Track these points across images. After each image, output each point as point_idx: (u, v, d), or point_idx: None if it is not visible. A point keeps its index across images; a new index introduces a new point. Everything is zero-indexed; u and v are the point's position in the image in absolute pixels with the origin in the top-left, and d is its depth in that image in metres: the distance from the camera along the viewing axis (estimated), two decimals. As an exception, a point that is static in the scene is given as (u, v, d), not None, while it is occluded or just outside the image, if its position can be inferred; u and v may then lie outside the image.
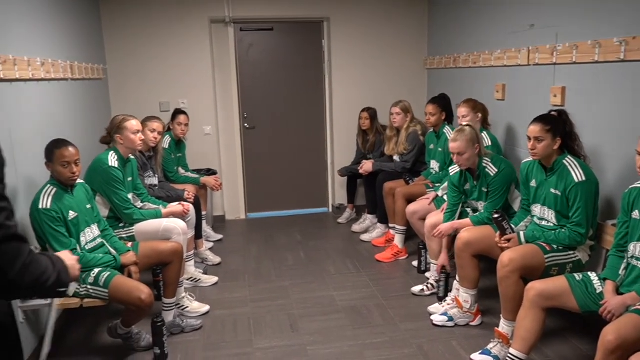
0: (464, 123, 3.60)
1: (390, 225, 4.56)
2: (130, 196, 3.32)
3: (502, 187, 3.09)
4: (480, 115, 3.72)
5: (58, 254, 1.30)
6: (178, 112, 4.55)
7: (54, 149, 2.63)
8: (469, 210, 3.37)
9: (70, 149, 2.68)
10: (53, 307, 2.67)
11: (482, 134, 3.57)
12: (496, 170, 3.09)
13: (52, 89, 3.37)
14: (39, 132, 2.98)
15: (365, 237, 4.81)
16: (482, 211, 3.18)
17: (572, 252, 2.69)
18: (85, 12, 4.41)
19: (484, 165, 3.13)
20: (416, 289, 3.62)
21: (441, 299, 3.42)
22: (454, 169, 3.37)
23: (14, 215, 1.00)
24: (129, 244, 3.05)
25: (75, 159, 2.69)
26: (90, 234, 2.82)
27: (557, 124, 2.69)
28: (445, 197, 3.80)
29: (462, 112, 3.71)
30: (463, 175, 3.30)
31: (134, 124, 3.31)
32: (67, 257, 1.28)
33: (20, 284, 1.01)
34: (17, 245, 0.99)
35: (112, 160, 3.20)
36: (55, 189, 2.65)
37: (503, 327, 2.74)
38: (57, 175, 2.66)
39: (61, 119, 3.51)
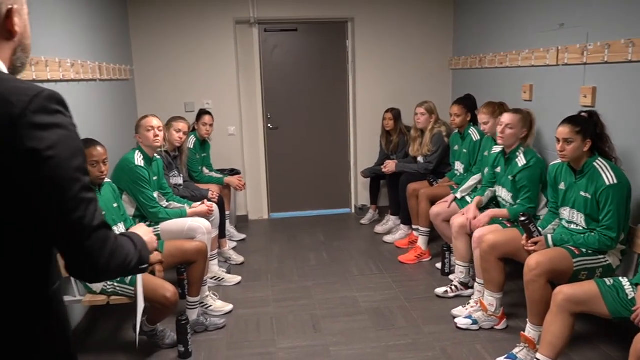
0: (486, 130, 3.62)
1: (414, 226, 4.53)
2: (155, 195, 3.37)
3: (529, 182, 3.12)
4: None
5: (136, 229, 1.34)
6: (203, 112, 4.59)
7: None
8: (504, 201, 3.38)
9: (99, 148, 2.72)
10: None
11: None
12: (524, 162, 3.14)
13: (81, 89, 3.44)
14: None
15: (388, 238, 4.78)
16: (517, 205, 3.19)
17: (602, 257, 2.63)
18: (114, 14, 4.49)
19: (517, 154, 3.18)
20: (440, 290, 3.58)
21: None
22: (495, 149, 3.47)
23: (98, 204, 1.05)
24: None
25: (104, 158, 2.74)
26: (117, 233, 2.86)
27: (587, 125, 2.63)
28: (468, 199, 3.78)
29: (482, 119, 3.70)
30: (497, 157, 3.37)
31: (148, 120, 3.35)
32: (144, 232, 1.32)
33: (107, 270, 1.05)
34: (105, 233, 1.03)
35: (138, 159, 3.25)
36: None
37: (529, 331, 2.69)
38: (86, 174, 2.70)
39: (90, 118, 3.57)
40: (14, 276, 1.00)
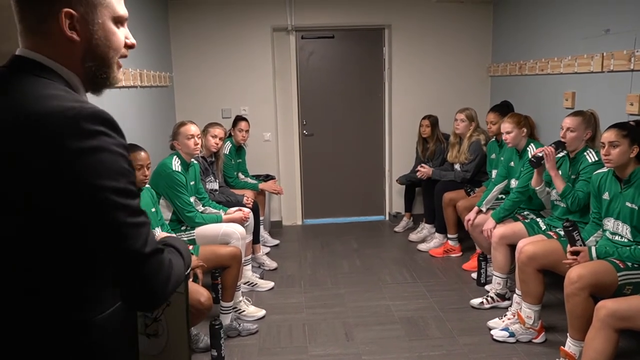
0: (509, 138, 3.57)
1: (449, 235, 4.46)
2: (192, 200, 3.42)
3: None
4: (525, 130, 3.63)
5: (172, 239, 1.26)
6: (239, 118, 4.65)
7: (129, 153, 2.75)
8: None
9: (142, 153, 2.80)
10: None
11: (530, 145, 3.61)
12: (595, 159, 3.02)
13: (123, 96, 3.53)
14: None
15: (422, 246, 4.71)
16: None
17: (648, 271, 2.52)
18: (156, 22, 4.61)
19: (585, 154, 3.09)
20: (475, 302, 3.50)
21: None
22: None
23: (150, 226, 1.00)
24: (190, 247, 3.13)
25: (147, 163, 2.81)
26: (155, 237, 2.92)
27: (635, 132, 2.54)
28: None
29: (506, 128, 3.62)
30: (561, 161, 3.28)
31: (188, 128, 3.40)
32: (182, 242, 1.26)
33: (165, 295, 1.01)
34: (159, 258, 0.98)
35: (175, 164, 3.31)
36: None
37: (570, 346, 2.60)
38: (130, 178, 2.77)
39: (131, 124, 3.66)
40: (56, 300, 0.96)
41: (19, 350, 0.97)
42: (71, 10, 0.95)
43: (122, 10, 1.04)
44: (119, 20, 1.04)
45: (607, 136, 2.57)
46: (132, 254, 0.93)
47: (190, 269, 1.20)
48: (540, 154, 3.13)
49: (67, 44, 0.98)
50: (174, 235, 1.24)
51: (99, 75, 1.03)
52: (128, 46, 1.07)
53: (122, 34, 1.05)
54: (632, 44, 3.05)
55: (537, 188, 3.28)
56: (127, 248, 0.93)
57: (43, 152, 0.87)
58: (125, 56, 1.08)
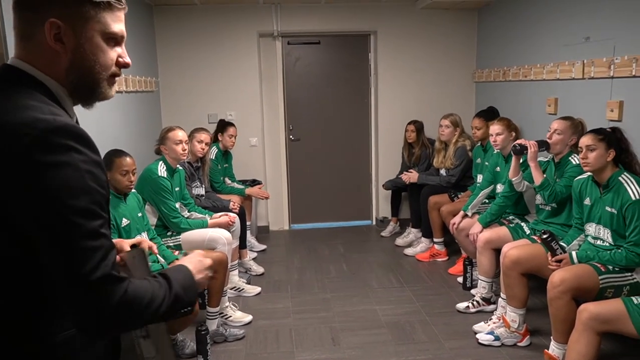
0: (498, 140, 3.60)
1: (435, 240, 4.50)
2: (177, 205, 3.41)
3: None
4: (514, 134, 3.71)
5: (187, 258, 1.19)
6: (227, 123, 4.63)
7: (114, 158, 2.75)
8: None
9: (128, 159, 2.79)
10: None
11: None
12: (577, 162, 3.06)
13: (107, 102, 3.48)
14: (97, 143, 3.08)
15: (409, 251, 4.74)
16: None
17: (629, 274, 2.56)
18: (141, 27, 4.59)
19: (569, 159, 3.15)
20: (461, 306, 3.53)
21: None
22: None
23: (110, 251, 0.93)
24: (176, 253, 3.12)
25: (133, 169, 2.80)
26: (140, 242, 2.90)
27: (611, 137, 2.61)
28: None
29: (496, 130, 3.67)
30: (546, 165, 3.33)
31: (176, 134, 3.40)
32: (195, 263, 1.16)
33: (115, 325, 0.94)
34: (111, 287, 0.91)
35: (161, 170, 3.30)
36: (110, 197, 2.74)
37: (553, 349, 2.63)
38: (114, 183, 2.76)
39: (116, 129, 3.65)
40: (17, 318, 0.94)
41: None
42: (58, 21, 0.95)
43: (116, 28, 1.03)
44: (111, 38, 1.03)
45: (584, 141, 2.64)
46: (77, 277, 0.88)
47: (193, 306, 1.11)
48: (525, 144, 3.20)
49: (53, 55, 0.98)
50: (185, 267, 1.14)
51: (83, 87, 1.02)
52: (122, 65, 1.06)
53: (114, 52, 1.04)
54: (612, 52, 3.12)
55: (514, 179, 3.34)
56: (72, 270, 0.88)
57: (9, 163, 0.86)
58: (117, 75, 1.06)
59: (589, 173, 2.74)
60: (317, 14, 5.24)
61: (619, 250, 2.55)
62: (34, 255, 0.91)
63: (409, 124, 5.03)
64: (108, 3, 1.00)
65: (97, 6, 0.99)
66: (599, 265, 2.58)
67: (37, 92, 0.96)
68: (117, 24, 1.03)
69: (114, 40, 1.04)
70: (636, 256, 2.49)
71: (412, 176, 4.74)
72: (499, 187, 3.74)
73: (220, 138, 4.58)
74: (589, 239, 2.77)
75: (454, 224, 3.90)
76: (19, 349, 0.95)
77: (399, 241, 5.01)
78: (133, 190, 3.01)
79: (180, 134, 3.41)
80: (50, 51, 0.97)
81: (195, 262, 1.17)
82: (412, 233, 4.96)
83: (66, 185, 0.88)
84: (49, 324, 0.97)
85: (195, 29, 5.13)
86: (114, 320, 0.92)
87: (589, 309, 2.33)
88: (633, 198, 2.49)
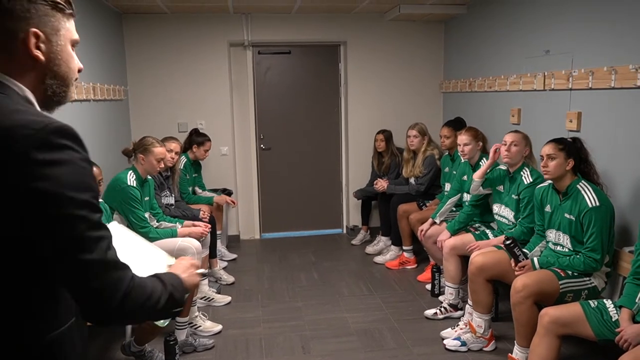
0: (466, 150, 3.70)
1: (404, 247, 4.57)
2: (146, 215, 3.38)
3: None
4: (481, 143, 3.81)
5: (176, 264, 1.27)
6: (205, 138, 4.60)
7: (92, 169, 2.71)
8: (505, 220, 3.41)
9: (95, 169, 2.74)
10: None
11: (483, 160, 3.72)
12: (530, 180, 3.19)
13: (75, 110, 3.47)
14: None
15: (378, 259, 4.80)
16: (518, 225, 3.26)
17: (587, 279, 2.66)
18: (110, 35, 4.55)
19: (522, 172, 3.24)
20: (429, 312, 3.59)
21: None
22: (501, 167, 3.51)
23: (112, 241, 0.99)
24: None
25: (99, 178, 2.77)
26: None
27: (571, 146, 2.72)
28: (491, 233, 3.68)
29: (463, 140, 3.75)
30: (502, 175, 3.44)
31: (162, 151, 3.40)
32: (183, 268, 1.24)
33: (121, 313, 0.99)
34: (116, 273, 0.98)
35: (131, 179, 3.27)
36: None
37: (517, 353, 2.71)
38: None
39: (83, 138, 3.59)
40: (8, 319, 0.96)
41: None
42: (38, 31, 0.99)
43: (76, 35, 1.10)
44: (74, 44, 1.10)
45: (545, 149, 2.74)
46: (85, 267, 0.94)
47: (182, 306, 1.16)
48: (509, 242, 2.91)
49: (30, 63, 1.01)
50: (175, 274, 1.20)
51: (58, 93, 1.07)
52: (80, 70, 1.12)
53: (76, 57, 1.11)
54: (570, 65, 3.24)
55: (477, 180, 3.47)
56: (81, 260, 0.93)
57: (9, 164, 0.89)
58: (76, 79, 1.13)
59: (549, 181, 2.84)
60: (288, 24, 5.28)
61: (578, 256, 2.65)
62: (25, 255, 0.94)
63: (378, 133, 5.10)
64: (71, 13, 1.07)
65: (64, 15, 1.05)
66: (559, 271, 2.67)
67: (20, 99, 1.00)
68: (74, 30, 1.10)
69: (75, 45, 1.10)
70: (593, 261, 2.59)
71: (383, 184, 4.82)
72: (466, 196, 3.83)
73: (194, 149, 4.55)
74: (550, 245, 2.86)
75: (422, 230, 3.97)
76: (9, 349, 0.97)
77: (369, 249, 5.06)
78: (100, 200, 2.97)
79: (163, 152, 3.42)
80: (27, 59, 1.00)
81: (176, 266, 1.27)
82: (382, 241, 5.02)
83: (69, 180, 0.92)
84: (39, 324, 1.00)
85: (165, 38, 5.11)
86: (123, 304, 0.98)
87: (549, 313, 2.42)
88: (590, 205, 2.59)
